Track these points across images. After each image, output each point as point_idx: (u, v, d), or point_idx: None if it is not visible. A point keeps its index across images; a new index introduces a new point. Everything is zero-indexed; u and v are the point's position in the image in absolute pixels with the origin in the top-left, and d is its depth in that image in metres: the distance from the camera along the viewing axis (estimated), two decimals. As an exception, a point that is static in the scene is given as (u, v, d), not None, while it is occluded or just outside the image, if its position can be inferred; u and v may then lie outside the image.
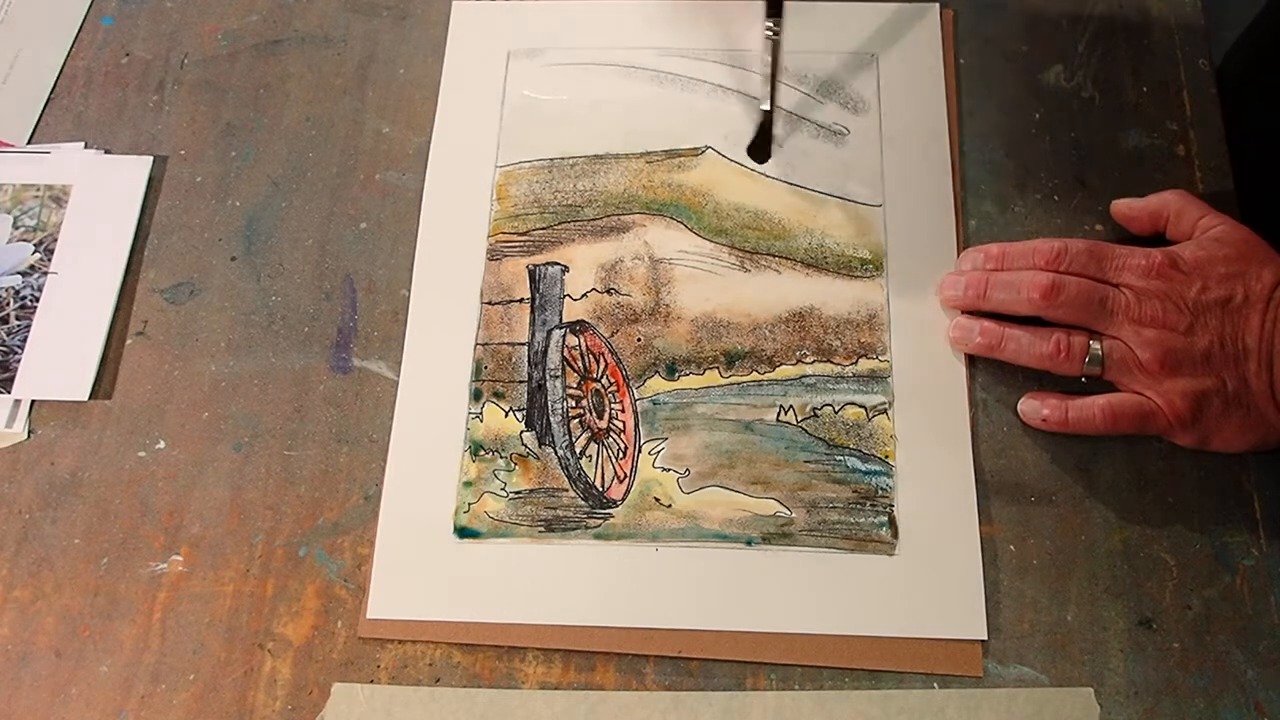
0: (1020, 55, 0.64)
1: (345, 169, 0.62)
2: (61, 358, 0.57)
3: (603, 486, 0.54)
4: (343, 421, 0.56)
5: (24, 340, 0.58)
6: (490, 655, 0.51)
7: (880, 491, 0.54)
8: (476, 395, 0.56)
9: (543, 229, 0.60)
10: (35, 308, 0.59)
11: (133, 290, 0.60)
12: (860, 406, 0.55)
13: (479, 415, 0.56)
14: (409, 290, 0.59)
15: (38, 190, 0.62)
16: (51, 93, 0.65)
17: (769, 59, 0.59)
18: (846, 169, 0.61)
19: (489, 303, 0.58)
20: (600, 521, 0.54)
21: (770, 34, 0.59)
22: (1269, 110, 0.68)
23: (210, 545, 0.54)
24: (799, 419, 0.55)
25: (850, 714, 0.50)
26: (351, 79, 0.65)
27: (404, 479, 0.55)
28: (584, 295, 0.58)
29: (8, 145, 0.63)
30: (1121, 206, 0.59)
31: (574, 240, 0.60)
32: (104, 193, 0.62)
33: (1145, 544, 0.53)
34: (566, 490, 0.54)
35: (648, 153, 0.62)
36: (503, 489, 0.54)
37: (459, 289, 0.59)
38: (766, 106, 0.60)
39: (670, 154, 0.62)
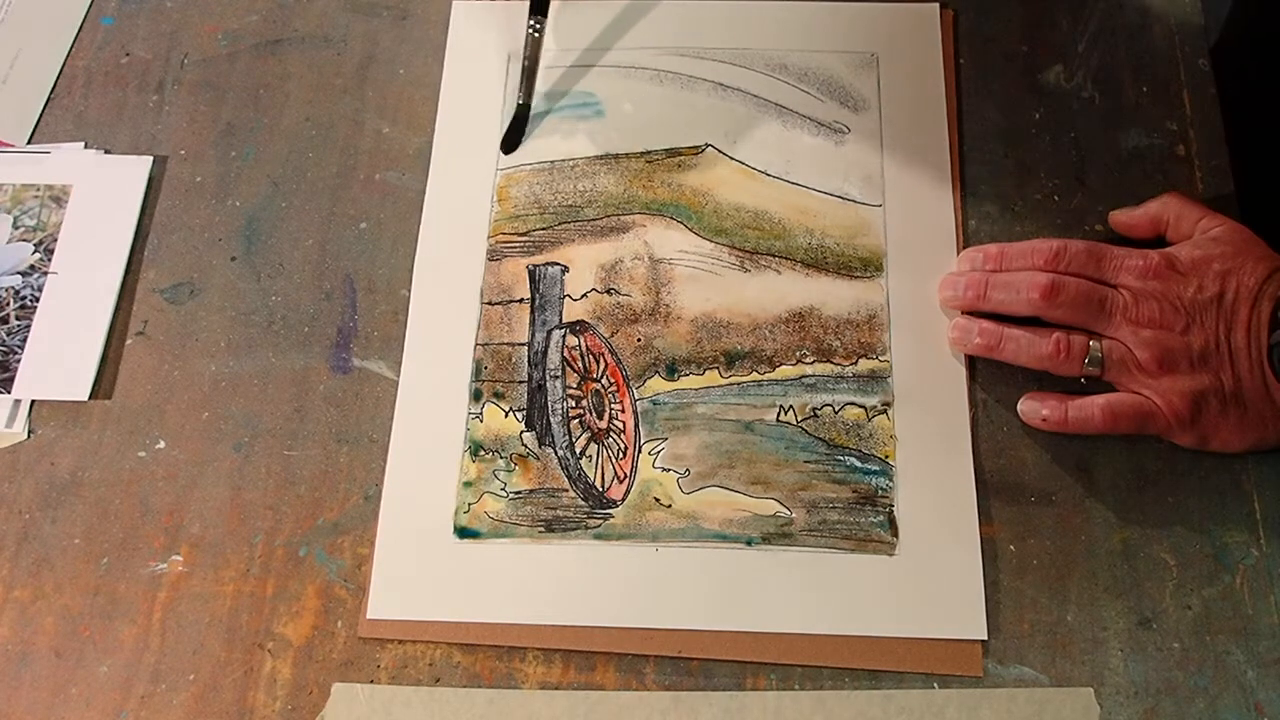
0: (1020, 55, 0.64)
1: (345, 169, 0.62)
2: (61, 358, 0.57)
3: (603, 486, 0.54)
4: (343, 421, 0.56)
5: (24, 340, 0.58)
6: (490, 655, 0.51)
7: (880, 491, 0.54)
8: (476, 395, 0.56)
9: (543, 229, 0.60)
10: (35, 308, 0.59)
11: (133, 290, 0.60)
12: (860, 406, 0.55)
13: (479, 415, 0.56)
14: (409, 290, 0.59)
15: (38, 190, 0.62)
16: (51, 93, 0.65)
17: (528, 54, 0.62)
18: (846, 169, 0.61)
19: (489, 303, 0.58)
20: (600, 521, 0.54)
21: (532, 30, 0.62)
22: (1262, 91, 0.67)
23: (210, 545, 0.54)
24: (799, 419, 0.55)
25: (850, 714, 0.50)
26: (351, 79, 0.65)
27: (404, 479, 0.55)
28: (584, 295, 0.58)
29: (8, 145, 0.63)
30: (1120, 216, 0.58)
31: (574, 240, 0.60)
32: (104, 193, 0.62)
33: (1145, 544, 0.53)
34: (566, 490, 0.54)
35: (648, 152, 0.62)
36: (503, 489, 0.54)
37: (459, 289, 0.59)
38: (522, 100, 0.62)
39: (671, 153, 0.62)
